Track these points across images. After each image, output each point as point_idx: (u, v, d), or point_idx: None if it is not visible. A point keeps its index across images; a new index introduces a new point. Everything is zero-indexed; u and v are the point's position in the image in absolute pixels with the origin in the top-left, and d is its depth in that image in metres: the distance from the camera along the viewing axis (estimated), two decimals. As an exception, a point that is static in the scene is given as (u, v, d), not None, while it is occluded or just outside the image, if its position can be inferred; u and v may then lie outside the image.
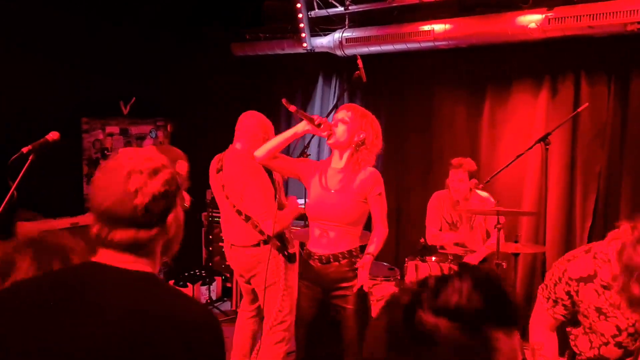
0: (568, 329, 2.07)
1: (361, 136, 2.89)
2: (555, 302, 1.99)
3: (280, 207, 3.34)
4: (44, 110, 4.51)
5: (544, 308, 2.06)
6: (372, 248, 2.91)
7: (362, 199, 2.88)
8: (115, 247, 1.27)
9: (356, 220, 2.91)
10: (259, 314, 3.69)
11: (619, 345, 1.87)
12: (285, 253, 3.47)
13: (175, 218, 1.34)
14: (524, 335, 2.23)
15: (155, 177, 1.28)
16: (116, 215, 1.25)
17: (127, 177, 1.25)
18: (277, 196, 3.31)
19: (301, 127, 2.95)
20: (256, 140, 3.41)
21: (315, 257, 2.92)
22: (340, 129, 2.90)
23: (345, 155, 2.94)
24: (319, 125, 2.88)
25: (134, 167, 1.27)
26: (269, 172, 3.40)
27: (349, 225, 2.89)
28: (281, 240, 3.46)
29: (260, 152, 2.98)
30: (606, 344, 1.89)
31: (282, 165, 3.06)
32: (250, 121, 3.58)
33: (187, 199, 3.50)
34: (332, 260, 2.88)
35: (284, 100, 2.90)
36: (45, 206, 4.62)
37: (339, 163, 2.96)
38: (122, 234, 1.26)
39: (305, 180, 3.06)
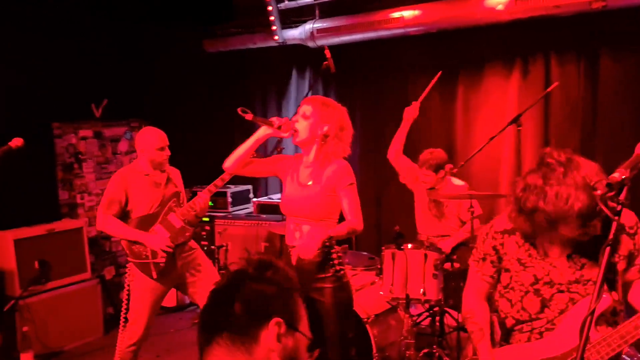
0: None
1: (324, 129, 2.83)
2: (484, 259, 2.09)
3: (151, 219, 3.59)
4: (13, 118, 4.45)
5: (473, 272, 2.16)
6: (334, 230, 2.79)
7: (331, 192, 2.82)
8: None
9: (326, 215, 2.85)
10: None
11: (537, 292, 1.97)
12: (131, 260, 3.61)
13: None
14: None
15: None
16: None
17: None
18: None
19: (262, 132, 2.90)
20: (139, 155, 3.68)
21: (291, 248, 2.90)
22: (302, 125, 2.85)
23: (314, 149, 2.90)
24: (279, 127, 2.84)
25: None
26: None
27: (320, 221, 2.84)
28: (129, 247, 3.59)
29: (228, 163, 2.96)
30: (526, 292, 1.98)
31: (256, 170, 3.04)
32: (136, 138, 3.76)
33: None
34: None
35: (239, 110, 2.85)
36: (20, 213, 4.57)
37: (309, 157, 2.93)
38: None
39: (282, 177, 3.05)
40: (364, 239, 5.49)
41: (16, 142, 3.31)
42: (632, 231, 1.89)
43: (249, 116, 2.82)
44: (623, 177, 1.39)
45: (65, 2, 4.98)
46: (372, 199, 5.64)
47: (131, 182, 3.61)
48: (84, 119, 5.36)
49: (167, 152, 3.67)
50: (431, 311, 3.93)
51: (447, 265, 3.81)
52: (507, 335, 2.09)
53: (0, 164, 3.19)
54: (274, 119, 2.86)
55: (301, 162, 2.97)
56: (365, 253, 4.55)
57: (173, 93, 5.91)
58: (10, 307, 4.20)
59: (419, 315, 4.03)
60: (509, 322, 2.05)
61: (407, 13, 4.88)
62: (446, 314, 4.01)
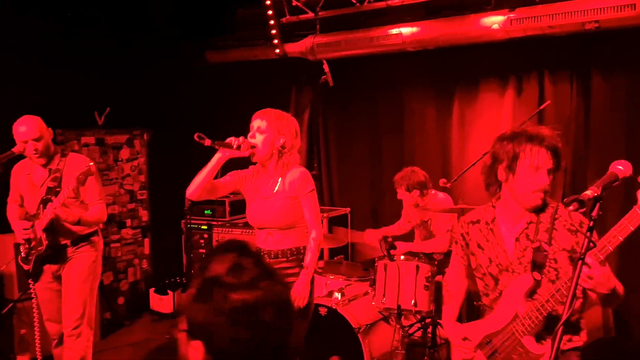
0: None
1: (281, 141, 2.91)
2: (456, 243, 2.41)
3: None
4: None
5: (453, 252, 2.47)
6: (308, 259, 2.92)
7: (294, 198, 2.93)
8: None
9: (293, 222, 2.96)
10: None
11: (491, 275, 2.22)
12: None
13: None
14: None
15: None
16: None
17: None
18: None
19: (217, 156, 2.89)
20: None
21: (264, 252, 2.95)
22: (259, 140, 2.89)
23: (271, 161, 2.97)
24: (238, 147, 2.84)
25: None
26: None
27: (289, 229, 2.95)
28: None
29: (190, 190, 2.89)
30: (484, 274, 2.25)
31: (219, 191, 3.03)
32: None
33: None
34: (280, 255, 2.94)
35: (195, 136, 2.76)
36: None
37: (268, 170, 3.00)
38: None
39: (242, 191, 3.09)
40: (360, 250, 5.56)
41: (19, 148, 3.41)
42: (573, 228, 2.10)
43: (207, 142, 2.76)
44: (595, 194, 1.47)
45: (69, 11, 5.09)
46: (367, 212, 5.72)
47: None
48: (86, 126, 5.46)
49: (32, 146, 3.40)
50: (423, 322, 4.00)
51: (439, 277, 3.88)
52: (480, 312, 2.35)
53: (3, 169, 3.29)
54: (232, 139, 2.84)
55: (259, 174, 3.02)
56: (359, 263, 4.62)
57: (176, 102, 6.01)
58: (8, 310, 4.26)
59: (411, 326, 4.09)
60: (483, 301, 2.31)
61: (406, 30, 4.98)
62: (438, 326, 4.08)
